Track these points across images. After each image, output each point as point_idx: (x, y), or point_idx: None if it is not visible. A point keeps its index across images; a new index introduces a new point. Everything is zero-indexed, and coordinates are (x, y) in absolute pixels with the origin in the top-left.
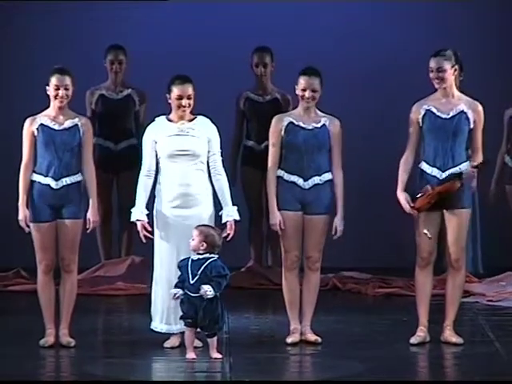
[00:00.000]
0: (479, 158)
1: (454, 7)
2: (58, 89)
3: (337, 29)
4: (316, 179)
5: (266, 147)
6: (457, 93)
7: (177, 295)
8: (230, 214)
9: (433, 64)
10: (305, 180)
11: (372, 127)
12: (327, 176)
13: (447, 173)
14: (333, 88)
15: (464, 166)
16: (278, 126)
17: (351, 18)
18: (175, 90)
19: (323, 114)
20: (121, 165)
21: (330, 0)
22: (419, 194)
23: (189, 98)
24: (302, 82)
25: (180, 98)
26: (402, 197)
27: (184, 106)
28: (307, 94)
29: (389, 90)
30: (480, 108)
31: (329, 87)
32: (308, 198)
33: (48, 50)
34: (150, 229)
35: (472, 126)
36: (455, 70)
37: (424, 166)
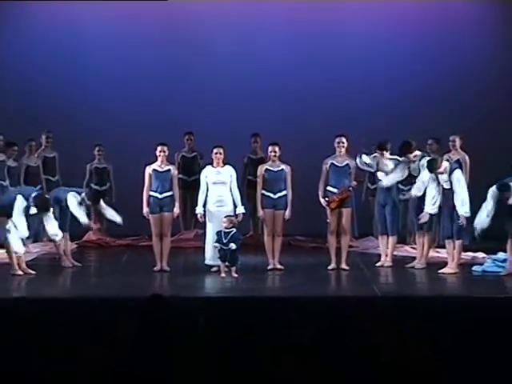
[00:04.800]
0: (355, 182)
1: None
2: (160, 152)
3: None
4: (279, 194)
5: None
6: (344, 154)
7: (215, 245)
8: (240, 209)
9: (338, 140)
10: (274, 194)
11: (316, 160)
12: (284, 192)
13: (340, 189)
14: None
15: (353, 183)
16: (261, 170)
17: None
18: (215, 150)
19: (282, 163)
20: (191, 187)
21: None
22: (331, 199)
23: (220, 153)
24: (271, 148)
25: (217, 153)
26: (322, 200)
27: (219, 158)
28: (272, 154)
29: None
30: (354, 162)
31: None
32: (276, 202)
33: None
34: (203, 218)
35: (351, 170)
36: (348, 143)
37: (329, 188)
